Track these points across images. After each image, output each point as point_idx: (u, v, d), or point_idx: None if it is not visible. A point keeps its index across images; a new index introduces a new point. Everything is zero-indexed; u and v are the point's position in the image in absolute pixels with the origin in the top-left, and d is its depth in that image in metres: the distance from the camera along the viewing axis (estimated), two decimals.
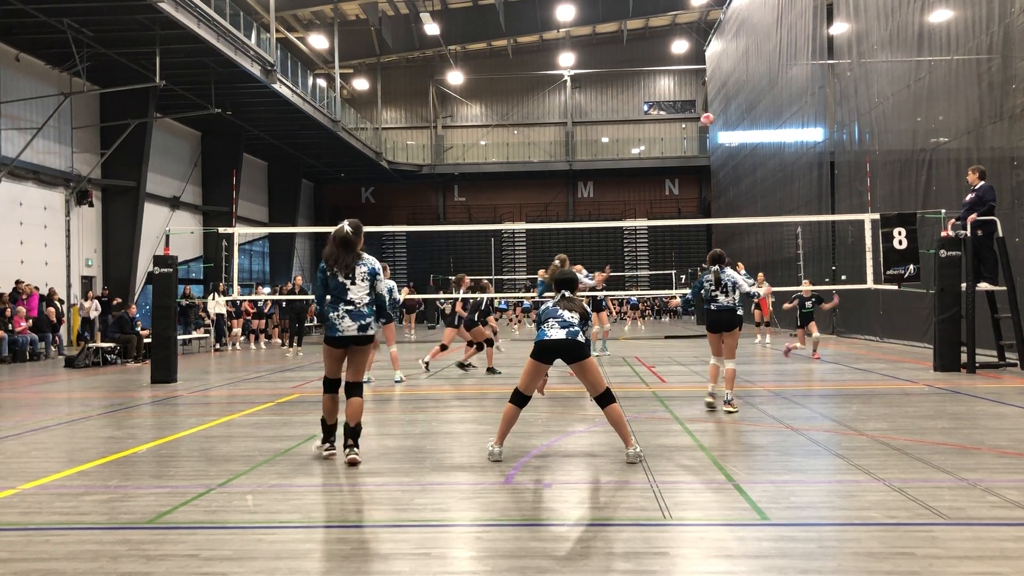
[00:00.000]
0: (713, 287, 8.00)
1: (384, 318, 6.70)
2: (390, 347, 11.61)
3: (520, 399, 5.79)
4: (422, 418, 8.08)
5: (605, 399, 5.65)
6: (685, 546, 3.85)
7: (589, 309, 5.92)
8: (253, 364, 15.96)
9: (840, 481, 5.06)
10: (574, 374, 5.73)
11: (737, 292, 7.99)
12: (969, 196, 11.46)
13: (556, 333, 5.66)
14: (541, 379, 5.88)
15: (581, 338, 5.65)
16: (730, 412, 7.80)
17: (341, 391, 6.07)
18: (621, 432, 5.67)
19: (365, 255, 6.10)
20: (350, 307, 5.92)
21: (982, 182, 11.29)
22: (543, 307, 5.92)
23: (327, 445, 6.06)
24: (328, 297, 5.98)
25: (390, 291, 6.60)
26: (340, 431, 6.07)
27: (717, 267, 8.05)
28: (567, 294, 5.94)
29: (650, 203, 45.37)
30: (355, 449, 5.78)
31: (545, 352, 5.71)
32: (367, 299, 6.00)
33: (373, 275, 6.06)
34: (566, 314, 5.73)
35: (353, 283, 5.95)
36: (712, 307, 8.04)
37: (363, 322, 5.93)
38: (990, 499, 4.51)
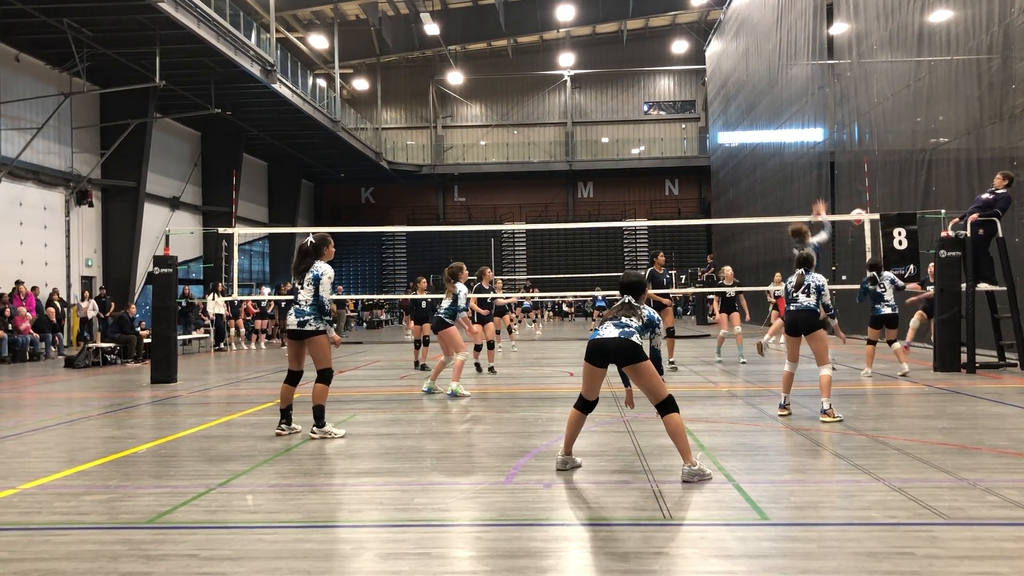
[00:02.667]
0: (794, 289, 7.75)
1: (326, 317, 7.03)
2: (458, 355, 9.90)
3: (584, 404, 5.39)
4: (422, 418, 8.08)
5: (666, 407, 5.13)
6: (685, 546, 3.85)
7: (656, 316, 5.42)
8: (253, 364, 15.97)
9: (840, 481, 5.06)
10: (631, 379, 5.28)
11: (821, 295, 7.65)
12: (985, 195, 11.39)
13: (608, 332, 5.21)
14: (601, 382, 5.39)
15: (636, 339, 5.17)
16: (827, 422, 7.15)
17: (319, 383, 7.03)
18: (679, 445, 5.10)
19: (319, 264, 7.02)
20: (296, 305, 6.99)
21: (1005, 190, 11.20)
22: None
23: (280, 425, 7.05)
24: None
25: (317, 298, 6.92)
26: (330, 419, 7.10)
27: (803, 270, 7.76)
28: (630, 301, 5.39)
29: (650, 203, 45.36)
30: (313, 428, 6.86)
31: (595, 353, 5.22)
32: (310, 300, 6.94)
33: (316, 280, 6.94)
34: (624, 318, 5.28)
35: (302, 286, 6.98)
36: (791, 307, 7.73)
37: (301, 319, 6.92)
38: (990, 499, 4.51)
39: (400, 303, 35.57)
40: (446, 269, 10.19)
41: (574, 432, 5.45)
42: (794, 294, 7.71)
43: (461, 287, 10.03)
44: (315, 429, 6.86)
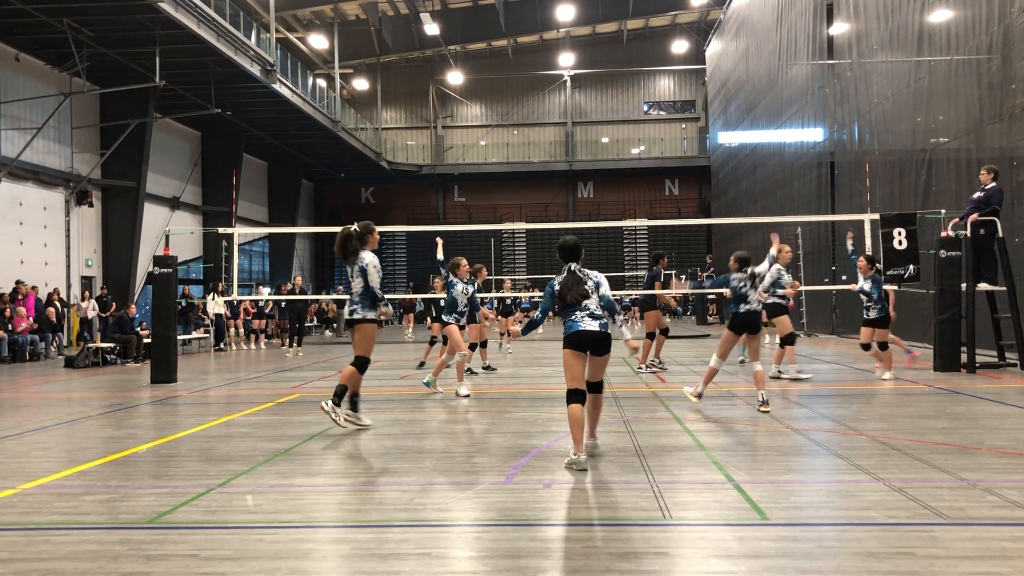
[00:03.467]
0: (749, 286, 8.13)
1: (380, 303, 7.31)
2: (456, 355, 9.92)
3: (577, 396, 5.60)
4: (422, 418, 8.08)
5: (598, 388, 5.90)
6: (685, 546, 3.85)
7: (610, 296, 5.83)
8: (253, 364, 15.97)
9: (840, 481, 5.06)
10: (588, 360, 5.71)
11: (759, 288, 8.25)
12: (977, 195, 11.44)
13: (589, 324, 5.62)
14: (584, 366, 5.69)
15: (609, 330, 5.74)
16: (766, 412, 7.77)
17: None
18: (593, 420, 5.93)
19: (364, 254, 7.21)
20: (349, 296, 7.28)
21: (994, 183, 11.26)
22: (552, 287, 5.83)
23: (347, 412, 7.20)
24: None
25: (364, 285, 7.23)
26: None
27: (752, 268, 8.24)
28: (575, 268, 5.84)
29: (650, 203, 45.34)
30: (325, 400, 7.10)
31: (578, 342, 5.62)
32: (360, 290, 7.20)
33: (363, 272, 7.18)
34: (591, 304, 5.69)
35: (352, 277, 7.26)
36: (741, 309, 8.12)
37: (352, 307, 7.22)
38: (990, 499, 4.51)
39: (400, 303, 35.55)
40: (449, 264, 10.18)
41: (581, 427, 5.59)
42: (744, 291, 8.12)
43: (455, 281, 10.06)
44: (326, 402, 7.05)
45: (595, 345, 5.63)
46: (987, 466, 5.33)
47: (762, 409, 7.80)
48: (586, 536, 4.02)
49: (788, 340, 10.69)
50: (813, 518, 4.26)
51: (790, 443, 6.36)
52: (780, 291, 10.62)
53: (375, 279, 7.15)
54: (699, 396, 8.31)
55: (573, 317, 5.67)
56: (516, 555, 3.73)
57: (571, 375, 5.63)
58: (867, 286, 10.71)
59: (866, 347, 10.82)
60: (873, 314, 10.62)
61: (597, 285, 5.79)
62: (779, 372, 10.90)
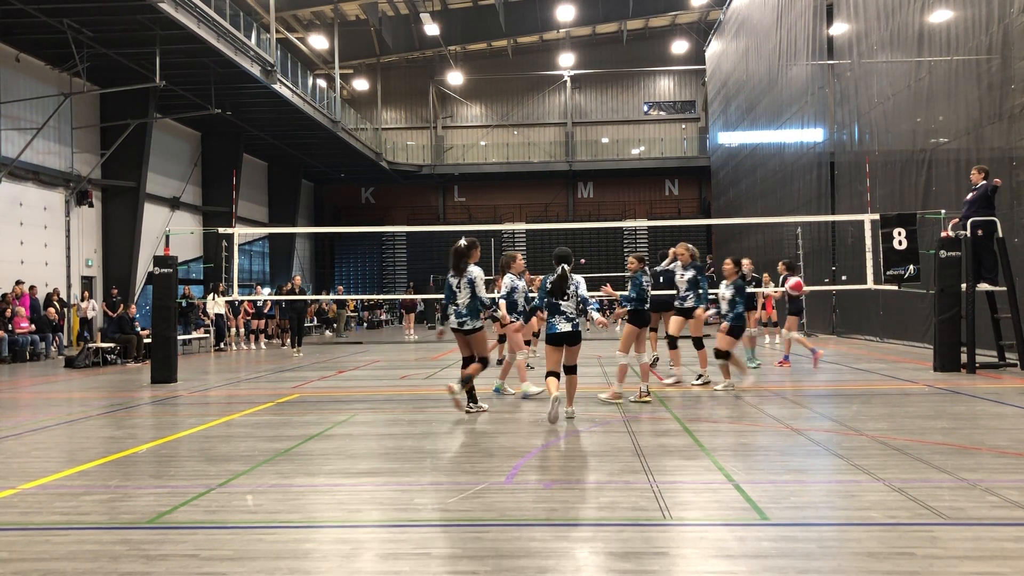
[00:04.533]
0: (650, 286, 9.07)
1: (483, 314, 8.10)
2: (516, 355, 9.77)
3: (553, 375, 7.36)
4: (422, 418, 8.08)
5: (573, 370, 7.55)
6: (685, 546, 3.85)
7: (586, 295, 7.43)
8: (253, 364, 15.97)
9: (840, 481, 5.06)
10: (564, 350, 7.44)
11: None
12: (971, 195, 11.48)
13: (564, 327, 7.39)
14: (561, 356, 7.42)
15: (580, 328, 7.44)
16: (641, 402, 8.69)
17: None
18: (570, 394, 7.59)
19: (472, 268, 7.99)
20: (455, 307, 8.07)
21: (984, 181, 11.34)
22: (545, 281, 7.47)
23: (468, 404, 8.14)
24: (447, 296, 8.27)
25: (471, 296, 8.10)
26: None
27: (654, 268, 9.49)
28: (565, 269, 7.36)
29: (650, 203, 45.34)
30: (456, 384, 7.90)
31: (556, 340, 7.41)
32: (467, 302, 7.99)
33: (471, 283, 7.96)
34: (567, 308, 7.39)
35: (459, 289, 8.04)
36: (646, 306, 8.88)
37: (461, 319, 8.04)
38: (990, 499, 4.51)
39: (401, 303, 35.60)
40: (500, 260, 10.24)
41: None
42: (649, 290, 9.01)
43: (508, 279, 9.75)
44: (457, 385, 7.89)
45: (567, 340, 7.40)
46: (987, 466, 5.33)
47: (646, 400, 8.71)
48: (586, 536, 4.02)
49: (697, 344, 10.92)
50: (813, 518, 4.26)
51: (790, 443, 6.37)
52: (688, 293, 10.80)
53: (482, 288, 7.97)
54: (646, 392, 8.83)
55: (553, 320, 7.40)
56: (516, 555, 3.73)
57: (550, 363, 7.42)
58: (727, 292, 9.74)
59: (723, 355, 9.63)
60: (728, 321, 9.68)
61: (577, 286, 7.41)
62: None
